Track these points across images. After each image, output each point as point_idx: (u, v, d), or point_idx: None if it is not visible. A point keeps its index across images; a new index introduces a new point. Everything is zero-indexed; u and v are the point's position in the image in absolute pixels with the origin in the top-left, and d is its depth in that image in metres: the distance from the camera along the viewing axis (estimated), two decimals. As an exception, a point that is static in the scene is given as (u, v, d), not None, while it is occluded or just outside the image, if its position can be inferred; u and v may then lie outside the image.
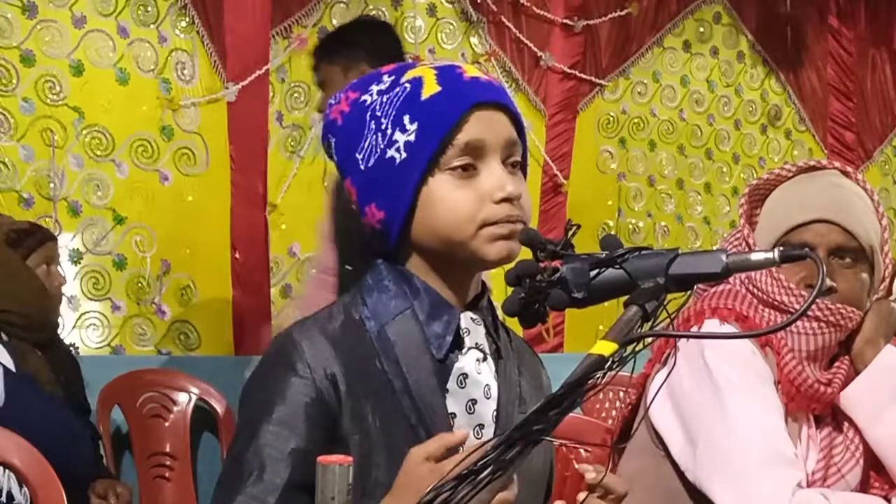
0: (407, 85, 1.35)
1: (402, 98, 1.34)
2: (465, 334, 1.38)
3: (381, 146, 1.34)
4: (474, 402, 1.37)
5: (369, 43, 2.92)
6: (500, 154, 1.35)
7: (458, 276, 1.39)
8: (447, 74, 1.36)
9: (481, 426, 1.38)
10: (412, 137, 1.32)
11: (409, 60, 4.07)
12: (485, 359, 1.39)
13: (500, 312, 1.35)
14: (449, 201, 1.32)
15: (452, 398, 1.36)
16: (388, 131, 1.34)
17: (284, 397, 1.32)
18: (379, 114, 1.35)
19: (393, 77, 1.38)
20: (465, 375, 1.37)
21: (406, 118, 1.33)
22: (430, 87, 1.34)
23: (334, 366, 1.33)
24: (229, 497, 1.31)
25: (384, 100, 1.35)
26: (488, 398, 1.38)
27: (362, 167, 1.36)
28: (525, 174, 1.40)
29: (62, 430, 2.46)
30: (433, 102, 1.33)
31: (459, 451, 1.21)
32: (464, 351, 1.37)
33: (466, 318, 1.38)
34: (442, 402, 1.35)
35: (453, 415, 1.36)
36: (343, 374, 1.33)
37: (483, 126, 1.34)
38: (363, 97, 1.38)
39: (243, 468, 1.31)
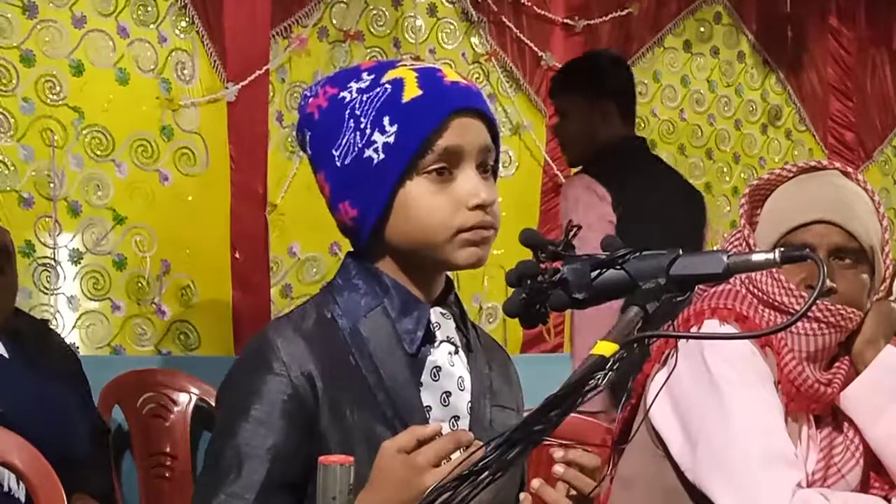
0: (388, 86, 1.37)
1: (382, 99, 1.36)
2: (436, 328, 1.41)
3: (359, 145, 1.36)
4: (448, 394, 1.40)
5: (613, 79, 3.19)
6: (476, 160, 1.37)
7: (426, 275, 1.42)
8: (428, 77, 1.38)
9: (456, 418, 1.41)
10: (391, 139, 1.34)
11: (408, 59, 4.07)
12: (457, 352, 1.42)
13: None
14: (425, 206, 1.35)
15: (427, 391, 1.39)
16: (367, 131, 1.35)
17: (261, 395, 1.34)
18: (358, 112, 1.37)
19: (373, 76, 1.39)
20: (439, 368, 1.40)
21: (386, 119, 1.35)
22: (412, 90, 1.36)
23: (310, 363, 1.35)
24: (209, 495, 1.32)
25: (364, 98, 1.37)
26: (462, 390, 1.41)
27: (338, 164, 1.38)
28: (495, 178, 1.43)
29: (50, 405, 2.39)
30: (414, 106, 1.35)
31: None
32: (436, 344, 1.40)
33: (436, 313, 1.41)
34: (416, 395, 1.38)
35: (428, 407, 1.39)
36: (319, 371, 1.35)
37: (461, 132, 1.36)
38: (342, 94, 1.39)
39: (222, 466, 1.33)
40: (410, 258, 1.39)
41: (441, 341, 1.41)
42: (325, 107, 1.40)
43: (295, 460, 1.30)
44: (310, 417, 1.33)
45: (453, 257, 1.37)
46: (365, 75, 1.40)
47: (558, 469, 1.30)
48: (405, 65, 1.41)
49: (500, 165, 1.48)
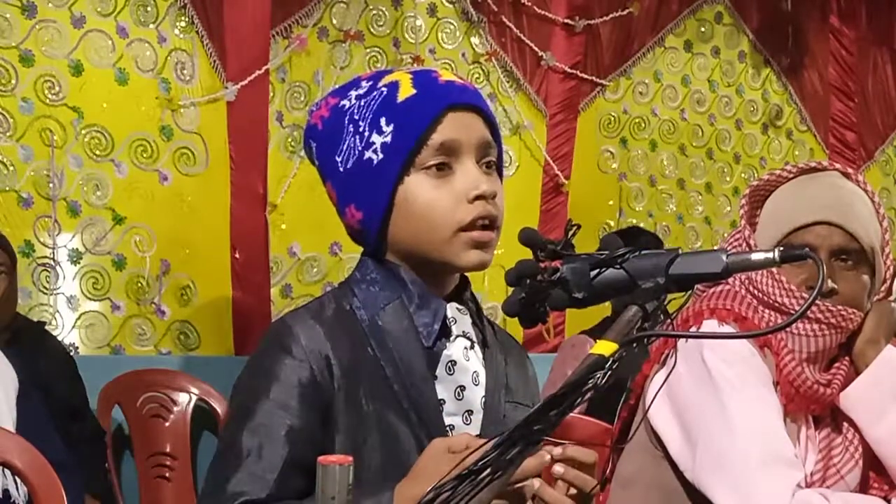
0: (384, 89, 1.40)
1: (378, 101, 1.39)
2: (452, 323, 1.42)
3: (359, 148, 1.39)
4: (463, 388, 1.42)
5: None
6: (475, 154, 1.39)
7: (435, 275, 1.43)
8: (422, 78, 1.41)
9: (470, 412, 1.42)
10: (389, 139, 1.37)
11: (409, 61, 4.08)
12: (472, 347, 1.44)
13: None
14: (425, 200, 1.37)
15: (442, 385, 1.40)
16: (366, 133, 1.39)
17: (280, 378, 1.35)
18: (357, 117, 1.40)
19: (371, 82, 1.43)
20: (454, 362, 1.41)
21: (382, 120, 1.38)
22: (406, 90, 1.39)
23: (329, 350, 1.36)
24: (228, 475, 1.32)
25: (362, 103, 1.41)
26: (476, 385, 1.43)
27: (341, 169, 1.41)
28: (501, 177, 1.45)
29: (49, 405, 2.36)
30: (408, 104, 1.38)
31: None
32: (451, 339, 1.42)
33: (452, 308, 1.43)
34: (432, 387, 1.39)
35: (442, 401, 1.40)
36: (337, 359, 1.36)
37: (457, 126, 1.38)
38: (342, 102, 1.43)
39: (241, 447, 1.33)
40: (417, 260, 1.41)
41: (457, 336, 1.42)
42: (327, 116, 1.44)
43: (311, 443, 1.31)
44: (326, 402, 1.35)
45: (455, 259, 1.38)
46: (363, 83, 1.44)
47: (558, 469, 1.30)
48: (402, 69, 1.45)
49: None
